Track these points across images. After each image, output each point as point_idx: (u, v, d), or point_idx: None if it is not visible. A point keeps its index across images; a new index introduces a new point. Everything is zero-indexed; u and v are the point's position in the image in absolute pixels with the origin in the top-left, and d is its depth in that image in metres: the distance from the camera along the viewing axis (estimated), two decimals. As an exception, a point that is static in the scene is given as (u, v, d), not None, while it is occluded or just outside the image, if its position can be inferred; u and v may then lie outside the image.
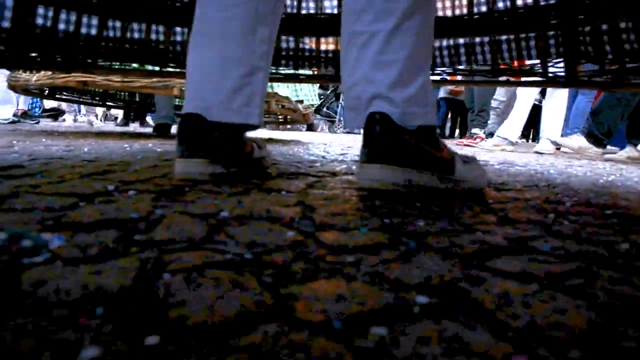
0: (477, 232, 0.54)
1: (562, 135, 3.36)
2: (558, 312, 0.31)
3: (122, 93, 3.64)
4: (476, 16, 1.72)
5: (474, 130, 4.22)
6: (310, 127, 6.49)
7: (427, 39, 0.78)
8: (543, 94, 3.96)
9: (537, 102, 4.21)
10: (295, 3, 1.81)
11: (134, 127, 4.83)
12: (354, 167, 1.27)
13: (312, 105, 3.00)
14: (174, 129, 2.89)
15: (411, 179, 0.72)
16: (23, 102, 5.00)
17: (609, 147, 3.20)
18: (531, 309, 0.31)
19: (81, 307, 0.28)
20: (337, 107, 7.20)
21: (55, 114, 5.73)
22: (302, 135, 4.76)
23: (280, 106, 2.60)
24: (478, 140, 3.95)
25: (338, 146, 2.54)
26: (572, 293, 0.35)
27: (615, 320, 0.30)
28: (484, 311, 0.31)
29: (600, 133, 2.83)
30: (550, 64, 1.62)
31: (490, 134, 3.74)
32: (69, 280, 0.33)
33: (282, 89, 2.67)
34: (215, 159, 0.82)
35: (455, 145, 3.60)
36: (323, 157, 1.65)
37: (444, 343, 0.26)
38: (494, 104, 3.96)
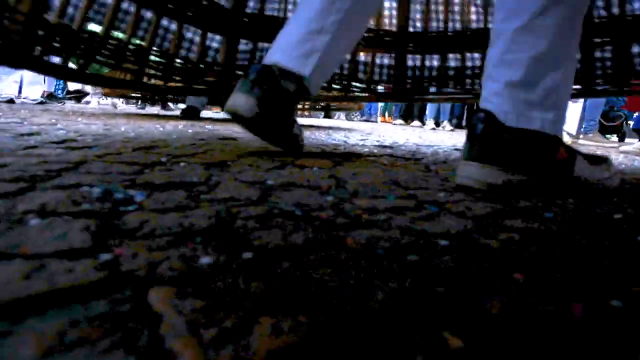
0: (481, 200, 0.62)
1: (582, 128, 3.40)
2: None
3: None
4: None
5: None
6: (328, 114, 6.55)
7: (565, 37, 0.72)
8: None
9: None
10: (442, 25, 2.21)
11: (157, 109, 4.96)
12: (375, 151, 1.35)
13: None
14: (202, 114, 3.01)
15: (510, 180, 0.71)
16: (48, 84, 5.16)
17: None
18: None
19: (182, 237, 0.37)
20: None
21: (79, 96, 5.89)
22: (320, 121, 4.84)
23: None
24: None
25: (357, 132, 2.62)
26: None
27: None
28: (489, 249, 0.39)
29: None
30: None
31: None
32: (165, 220, 0.42)
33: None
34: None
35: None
36: (345, 142, 1.73)
37: (459, 262, 0.34)
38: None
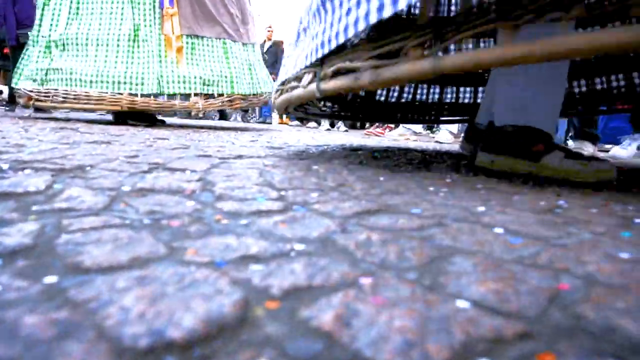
0: (351, 199, 0.62)
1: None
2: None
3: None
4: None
5: (382, 121, 4.43)
6: (223, 116, 6.39)
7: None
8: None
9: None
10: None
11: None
12: (261, 153, 1.31)
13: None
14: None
15: (493, 160, 1.01)
16: None
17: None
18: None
19: (-21, 260, 0.30)
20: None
21: None
22: (214, 123, 4.69)
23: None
24: (387, 130, 4.16)
25: (249, 134, 2.56)
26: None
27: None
28: (346, 251, 0.37)
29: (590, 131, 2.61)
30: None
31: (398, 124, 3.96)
32: (-36, 240, 0.34)
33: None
34: None
35: (365, 135, 3.77)
36: (232, 143, 1.67)
37: (309, 269, 0.32)
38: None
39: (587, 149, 2.29)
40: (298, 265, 0.33)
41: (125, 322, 0.22)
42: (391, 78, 0.75)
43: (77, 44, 2.45)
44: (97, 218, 0.44)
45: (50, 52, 2.52)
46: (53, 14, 2.54)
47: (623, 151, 2.43)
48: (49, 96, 2.48)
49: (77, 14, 2.49)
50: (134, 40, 2.43)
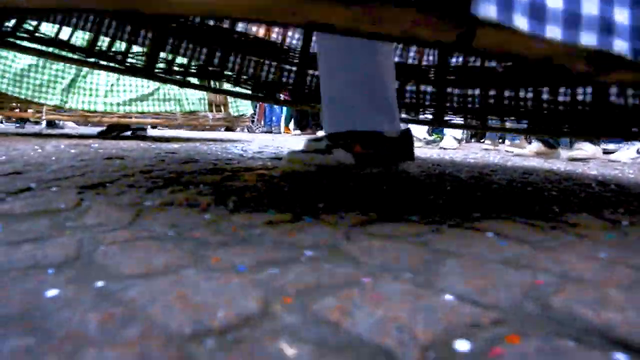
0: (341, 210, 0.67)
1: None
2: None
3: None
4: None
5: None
6: (229, 127, 6.47)
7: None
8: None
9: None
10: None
11: (39, 128, 4.56)
12: (269, 164, 1.37)
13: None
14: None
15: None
16: None
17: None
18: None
19: (33, 269, 0.36)
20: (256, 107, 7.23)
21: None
22: (221, 134, 4.77)
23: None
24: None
25: (256, 144, 2.62)
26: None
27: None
28: (350, 257, 0.42)
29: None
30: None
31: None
32: (18, 254, 0.40)
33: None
34: None
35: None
36: (241, 155, 1.72)
37: (316, 273, 0.37)
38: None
39: (587, 149, 2.34)
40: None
41: (169, 315, 0.27)
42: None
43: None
44: (126, 231, 0.49)
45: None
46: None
47: (622, 154, 2.49)
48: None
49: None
50: None
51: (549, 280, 0.37)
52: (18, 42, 1.12)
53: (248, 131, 7.03)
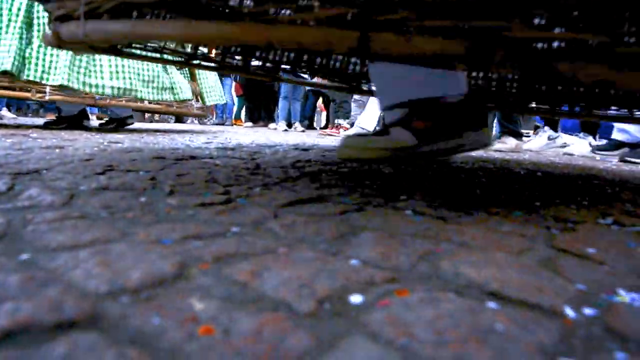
0: (286, 190, 0.70)
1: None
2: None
3: None
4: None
5: (338, 121, 4.56)
6: (179, 119, 6.35)
7: None
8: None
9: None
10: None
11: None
12: (215, 153, 1.38)
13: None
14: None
15: None
16: None
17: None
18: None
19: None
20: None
21: None
22: (170, 126, 4.68)
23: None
24: (341, 129, 4.28)
25: (204, 136, 2.60)
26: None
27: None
28: (274, 232, 0.46)
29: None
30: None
31: (352, 124, 4.08)
32: None
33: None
34: None
35: (319, 135, 3.87)
36: (187, 145, 1.72)
37: (237, 244, 0.40)
38: (355, 96, 4.31)
39: (510, 143, 2.48)
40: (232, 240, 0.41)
41: (88, 277, 0.29)
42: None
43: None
44: (57, 212, 0.50)
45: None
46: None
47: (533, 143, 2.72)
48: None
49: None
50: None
51: (447, 248, 0.42)
52: (133, 51, 1.10)
53: (199, 123, 6.92)
